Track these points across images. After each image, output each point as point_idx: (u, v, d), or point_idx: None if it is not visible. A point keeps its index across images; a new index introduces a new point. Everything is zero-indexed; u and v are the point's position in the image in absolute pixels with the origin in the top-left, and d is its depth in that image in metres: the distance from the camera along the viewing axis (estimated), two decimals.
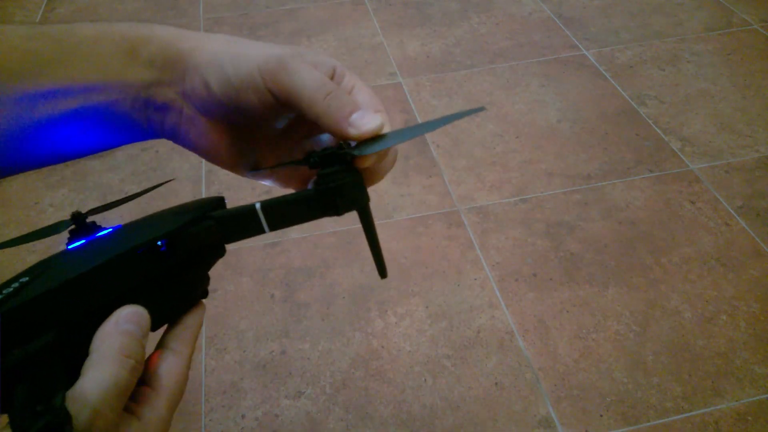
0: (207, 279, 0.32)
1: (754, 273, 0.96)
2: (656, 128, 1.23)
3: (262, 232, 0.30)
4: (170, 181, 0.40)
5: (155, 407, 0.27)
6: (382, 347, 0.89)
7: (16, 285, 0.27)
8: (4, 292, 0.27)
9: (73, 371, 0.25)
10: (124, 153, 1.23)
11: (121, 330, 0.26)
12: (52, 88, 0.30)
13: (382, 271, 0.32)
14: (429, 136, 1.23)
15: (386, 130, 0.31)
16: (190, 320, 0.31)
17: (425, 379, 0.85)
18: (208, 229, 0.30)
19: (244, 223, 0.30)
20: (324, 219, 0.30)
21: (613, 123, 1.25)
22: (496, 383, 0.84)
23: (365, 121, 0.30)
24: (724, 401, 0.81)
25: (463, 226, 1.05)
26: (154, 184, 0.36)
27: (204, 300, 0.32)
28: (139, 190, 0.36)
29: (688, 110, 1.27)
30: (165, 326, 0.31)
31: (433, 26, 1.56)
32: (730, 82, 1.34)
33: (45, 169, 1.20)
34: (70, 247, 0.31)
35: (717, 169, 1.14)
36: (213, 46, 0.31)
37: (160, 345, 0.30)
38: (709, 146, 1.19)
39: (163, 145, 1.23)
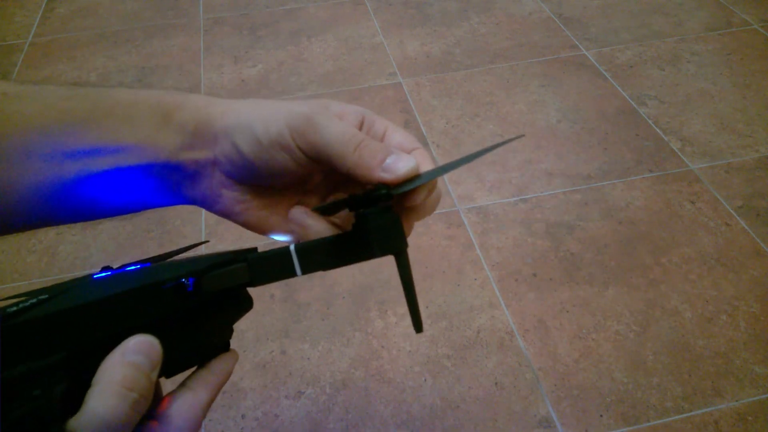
0: (230, 331, 0.31)
1: (754, 273, 0.96)
2: (656, 128, 1.23)
3: (294, 275, 0.29)
4: (204, 243, 0.40)
5: None
6: (382, 347, 0.89)
7: (33, 300, 0.26)
8: (21, 305, 0.26)
9: (76, 398, 0.24)
10: None
11: (127, 361, 0.25)
12: (82, 147, 0.30)
13: (418, 325, 0.30)
14: (429, 136, 1.23)
15: (425, 167, 0.31)
16: (217, 365, 0.30)
17: (425, 379, 0.85)
18: (237, 270, 0.29)
19: (276, 264, 0.29)
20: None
21: (613, 123, 1.25)
22: (496, 383, 0.84)
23: (399, 165, 0.29)
24: (724, 401, 0.81)
25: (463, 226, 1.05)
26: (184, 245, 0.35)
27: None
28: (172, 250, 0.34)
29: (688, 110, 1.27)
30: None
31: (433, 26, 1.56)
32: (730, 82, 1.34)
33: None
34: (95, 276, 0.30)
35: (717, 169, 1.14)
36: (242, 108, 0.31)
37: (181, 385, 0.29)
38: (709, 146, 1.19)
39: None
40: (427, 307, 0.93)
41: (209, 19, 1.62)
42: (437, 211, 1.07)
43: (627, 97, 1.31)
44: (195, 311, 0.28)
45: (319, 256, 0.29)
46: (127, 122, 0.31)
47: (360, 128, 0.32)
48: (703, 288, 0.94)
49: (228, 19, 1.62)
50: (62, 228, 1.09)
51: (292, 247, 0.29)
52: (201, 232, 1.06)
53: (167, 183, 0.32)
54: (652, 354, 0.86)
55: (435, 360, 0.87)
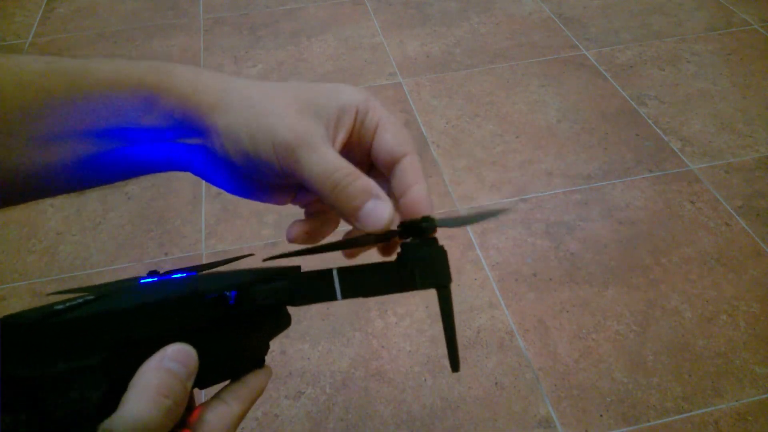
0: (267, 347, 0.31)
1: (754, 273, 0.96)
2: (656, 128, 1.23)
3: (334, 298, 0.29)
4: (250, 255, 0.39)
5: None
6: (382, 347, 0.89)
7: (79, 300, 0.27)
8: (68, 303, 0.26)
9: (113, 400, 0.24)
10: None
11: (165, 367, 0.25)
12: (66, 129, 0.29)
13: (455, 364, 0.29)
14: (429, 136, 1.23)
15: (412, 175, 0.30)
16: (252, 380, 0.30)
17: (425, 379, 0.85)
18: (279, 288, 0.29)
19: (317, 286, 0.29)
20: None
21: (613, 123, 1.25)
22: (496, 383, 0.84)
23: (374, 217, 0.28)
24: (724, 401, 0.81)
25: (463, 226, 1.05)
26: (225, 261, 0.35)
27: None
28: (218, 260, 0.35)
29: (688, 110, 1.27)
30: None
31: (433, 26, 1.56)
32: (730, 82, 1.34)
33: None
34: (142, 281, 0.30)
35: (717, 169, 1.14)
36: (232, 106, 0.30)
37: (215, 396, 0.29)
38: (709, 146, 1.19)
39: None
40: (427, 307, 0.93)
41: (209, 19, 1.62)
42: (437, 211, 1.07)
43: (627, 97, 1.31)
44: (234, 324, 0.29)
45: (361, 281, 0.29)
46: (109, 106, 0.30)
47: (354, 122, 0.31)
48: (703, 288, 0.94)
49: (228, 19, 1.62)
50: (62, 228, 1.09)
51: (335, 271, 0.29)
52: (201, 232, 1.06)
53: (157, 157, 0.31)
54: (652, 354, 0.86)
55: (435, 360, 0.87)
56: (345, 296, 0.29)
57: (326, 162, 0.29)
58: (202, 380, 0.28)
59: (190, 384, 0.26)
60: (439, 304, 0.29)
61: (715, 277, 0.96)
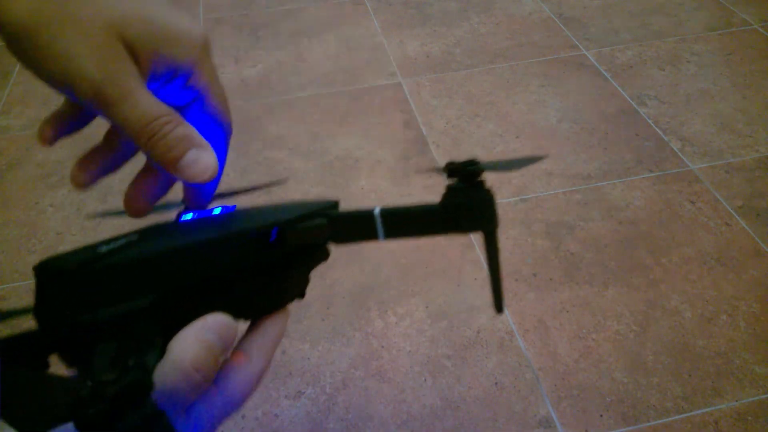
0: (307, 280, 0.31)
1: (754, 273, 0.96)
2: (656, 128, 1.23)
3: (376, 238, 0.28)
4: (284, 181, 0.37)
5: (209, 404, 0.25)
6: (382, 347, 0.89)
7: (123, 241, 0.26)
8: (111, 245, 0.26)
9: (164, 347, 0.24)
10: None
11: (202, 339, 0.24)
12: None
13: (499, 305, 0.29)
14: (429, 136, 1.23)
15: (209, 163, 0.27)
16: (271, 328, 0.29)
17: (425, 379, 0.85)
18: (321, 226, 0.28)
19: (360, 226, 0.28)
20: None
21: (613, 123, 1.25)
22: (496, 383, 0.84)
23: (196, 168, 0.26)
24: (724, 401, 0.81)
25: None
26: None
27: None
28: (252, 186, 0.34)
29: (688, 110, 1.27)
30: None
31: (433, 26, 1.56)
32: (730, 82, 1.34)
33: (45, 170, 1.20)
34: (182, 218, 0.30)
35: (717, 169, 1.14)
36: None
37: (237, 349, 0.28)
38: (709, 146, 1.19)
39: None
40: (427, 307, 0.93)
41: (209, 19, 1.62)
42: None
43: (627, 97, 1.31)
44: (275, 261, 0.28)
45: (404, 223, 0.28)
46: None
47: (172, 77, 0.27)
48: (703, 288, 0.94)
49: (228, 19, 1.62)
50: (62, 228, 1.09)
51: (377, 211, 0.28)
52: None
53: None
54: (652, 354, 0.86)
55: (435, 360, 0.87)
56: (388, 236, 0.28)
57: (142, 110, 0.25)
58: (248, 315, 0.28)
59: (222, 359, 0.25)
60: (485, 247, 0.28)
61: (715, 277, 0.96)
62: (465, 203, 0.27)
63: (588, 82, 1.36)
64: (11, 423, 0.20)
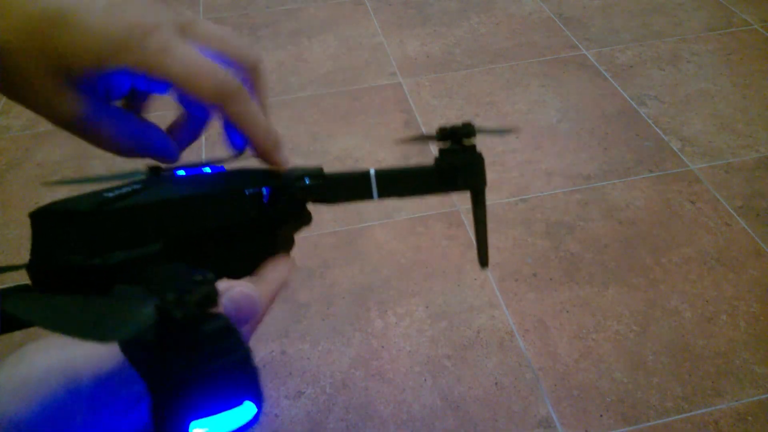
0: (292, 241, 0.32)
1: (754, 273, 0.96)
2: (656, 128, 1.23)
3: (371, 197, 0.30)
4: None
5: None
6: (382, 347, 0.89)
7: (128, 189, 0.27)
8: (116, 192, 0.27)
9: None
10: None
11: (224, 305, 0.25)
12: None
13: (484, 259, 0.31)
14: None
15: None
16: (270, 275, 0.29)
17: (425, 379, 0.85)
18: (317, 186, 0.29)
19: (354, 185, 0.30)
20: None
21: (613, 123, 1.25)
22: (496, 383, 0.84)
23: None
24: (724, 401, 0.81)
25: (463, 226, 1.05)
26: None
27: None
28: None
29: (688, 110, 1.27)
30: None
31: (433, 26, 1.56)
32: (730, 82, 1.34)
33: (45, 169, 1.20)
34: (178, 173, 0.30)
35: (717, 169, 1.14)
36: None
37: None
38: (709, 146, 1.19)
39: None
40: (427, 307, 0.93)
41: (209, 19, 1.62)
42: (437, 211, 1.07)
43: (627, 97, 1.31)
44: (266, 220, 0.29)
45: (398, 183, 0.30)
46: None
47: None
48: (703, 288, 0.94)
49: (228, 19, 1.62)
50: None
51: (372, 171, 0.30)
52: None
53: None
54: (652, 354, 0.86)
55: (435, 360, 0.87)
56: (381, 195, 0.30)
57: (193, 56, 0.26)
58: (231, 272, 0.28)
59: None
60: (473, 206, 0.30)
61: (715, 277, 0.96)
62: (460, 163, 0.29)
63: (588, 82, 1.36)
64: (77, 333, 0.20)
